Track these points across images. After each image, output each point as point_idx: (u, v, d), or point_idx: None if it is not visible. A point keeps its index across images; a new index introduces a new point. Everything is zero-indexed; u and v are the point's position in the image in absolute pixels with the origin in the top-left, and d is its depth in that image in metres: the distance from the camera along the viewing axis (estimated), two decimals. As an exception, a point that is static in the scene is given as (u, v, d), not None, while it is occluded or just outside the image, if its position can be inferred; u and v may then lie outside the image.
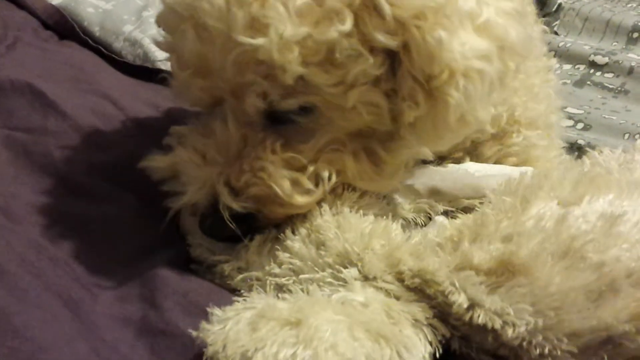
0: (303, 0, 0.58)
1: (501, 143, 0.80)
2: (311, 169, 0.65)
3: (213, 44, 0.61)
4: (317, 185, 0.65)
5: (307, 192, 0.65)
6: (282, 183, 0.64)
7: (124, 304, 0.64)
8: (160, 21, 0.70)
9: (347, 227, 0.63)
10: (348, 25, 0.59)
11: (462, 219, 0.62)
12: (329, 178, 0.65)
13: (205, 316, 0.56)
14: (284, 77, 0.60)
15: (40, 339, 0.56)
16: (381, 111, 0.65)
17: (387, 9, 0.59)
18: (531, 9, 0.73)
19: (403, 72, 0.62)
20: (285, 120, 0.65)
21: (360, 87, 0.63)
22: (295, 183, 0.65)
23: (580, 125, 1.04)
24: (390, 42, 0.60)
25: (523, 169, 0.73)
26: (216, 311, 0.55)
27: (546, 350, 0.54)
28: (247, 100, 0.63)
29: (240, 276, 0.65)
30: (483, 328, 0.55)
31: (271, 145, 0.65)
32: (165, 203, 0.70)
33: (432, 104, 0.62)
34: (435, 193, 0.71)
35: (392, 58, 0.62)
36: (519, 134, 0.79)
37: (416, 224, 0.70)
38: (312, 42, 0.59)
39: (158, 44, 0.70)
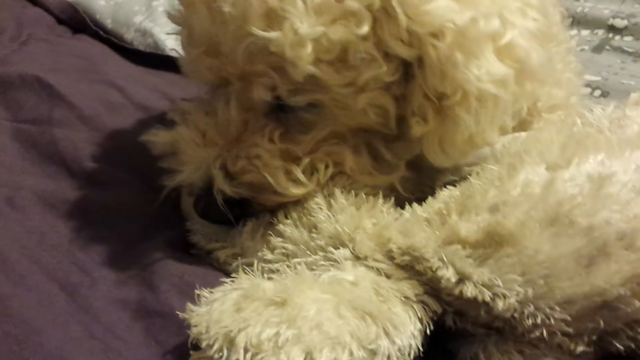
0: None
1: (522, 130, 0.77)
2: (306, 160, 0.64)
3: (225, 27, 0.60)
4: (312, 175, 0.64)
5: (301, 183, 0.64)
6: (275, 173, 0.64)
7: (122, 287, 0.64)
8: None
9: (338, 208, 0.62)
10: (365, 28, 0.57)
11: (450, 191, 0.60)
12: (325, 170, 0.64)
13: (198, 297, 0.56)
14: (294, 73, 0.59)
15: (34, 322, 0.57)
16: (388, 115, 0.64)
17: (403, 20, 0.57)
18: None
19: (415, 87, 0.60)
20: (288, 110, 0.64)
21: (371, 92, 0.61)
22: (289, 174, 0.64)
23: (597, 93, 1.00)
24: (405, 52, 0.59)
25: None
26: (204, 293, 0.55)
27: (539, 320, 0.52)
28: (254, 90, 0.62)
29: (236, 263, 0.65)
30: (474, 301, 0.54)
31: (270, 133, 0.64)
32: (162, 180, 0.70)
33: (441, 122, 0.60)
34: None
35: (406, 66, 0.61)
36: (539, 119, 0.76)
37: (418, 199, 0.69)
38: (326, 40, 0.57)
39: (170, 16, 0.69)
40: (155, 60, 1.12)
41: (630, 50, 1.08)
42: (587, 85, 1.01)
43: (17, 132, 0.86)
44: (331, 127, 0.64)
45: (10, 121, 0.89)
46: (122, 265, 0.67)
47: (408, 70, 0.61)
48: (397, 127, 0.65)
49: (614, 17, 1.14)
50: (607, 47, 1.10)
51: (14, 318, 0.57)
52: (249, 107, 0.65)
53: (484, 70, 0.58)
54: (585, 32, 1.15)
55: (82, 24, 1.22)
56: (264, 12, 0.57)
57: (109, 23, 1.22)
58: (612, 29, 1.13)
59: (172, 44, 1.15)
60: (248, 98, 0.64)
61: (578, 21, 1.16)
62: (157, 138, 0.71)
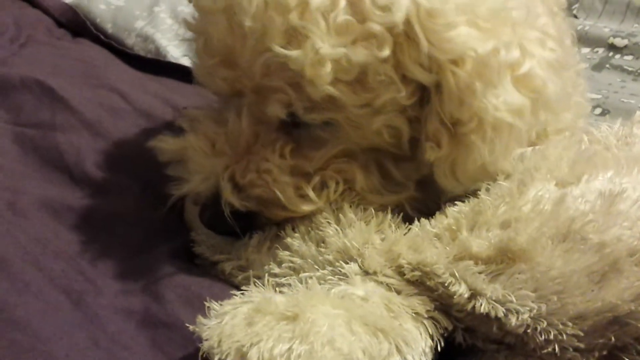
0: (344, 16, 0.56)
1: None
2: (317, 178, 0.64)
3: (244, 40, 0.59)
4: (321, 190, 0.64)
5: (311, 200, 0.64)
6: (285, 189, 0.63)
7: (127, 296, 0.64)
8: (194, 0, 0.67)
9: (346, 222, 0.62)
10: (386, 52, 0.57)
11: (459, 207, 0.60)
12: (336, 187, 0.64)
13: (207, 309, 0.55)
14: (312, 92, 0.59)
15: (40, 330, 0.57)
16: (402, 136, 0.64)
17: (424, 46, 0.57)
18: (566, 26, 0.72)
19: (431, 111, 0.60)
20: (301, 126, 0.64)
21: (387, 114, 0.61)
22: (298, 190, 0.64)
23: (598, 111, 1.01)
24: (424, 77, 0.59)
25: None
26: (214, 305, 0.54)
27: (551, 336, 0.52)
28: (269, 106, 0.62)
29: (242, 275, 0.65)
30: (486, 317, 0.54)
31: (281, 148, 0.64)
32: (168, 188, 0.69)
33: (455, 148, 0.61)
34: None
35: (423, 90, 0.61)
36: (546, 141, 0.76)
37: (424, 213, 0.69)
38: (346, 61, 0.57)
39: (187, 24, 0.68)
40: (157, 66, 1.11)
41: (630, 69, 1.09)
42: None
43: (17, 135, 0.85)
44: (343, 145, 0.64)
45: (10, 124, 0.87)
46: (126, 274, 0.67)
47: (424, 95, 0.61)
48: (409, 149, 0.65)
49: (614, 36, 1.16)
50: (607, 65, 1.12)
51: (20, 326, 0.56)
52: (260, 120, 0.64)
53: (502, 100, 0.58)
54: (585, 50, 1.16)
55: (81, 27, 1.21)
56: (285, 29, 0.57)
57: (109, 27, 1.21)
58: (613, 47, 1.15)
59: (174, 52, 1.14)
60: (261, 111, 0.63)
61: (578, 39, 1.17)
62: (165, 144, 0.71)
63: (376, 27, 0.57)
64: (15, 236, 0.67)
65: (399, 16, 0.56)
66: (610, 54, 1.14)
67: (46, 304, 0.60)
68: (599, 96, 1.04)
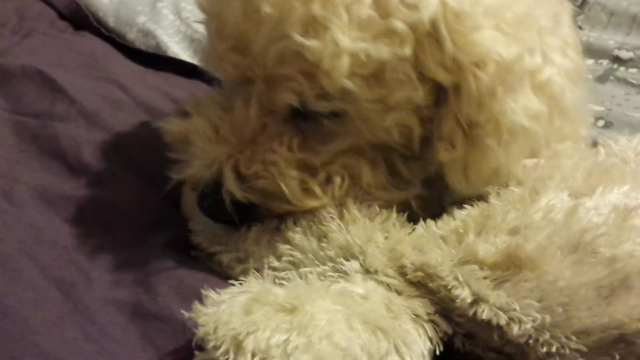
0: (367, 12, 0.56)
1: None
2: (323, 173, 0.63)
3: (259, 27, 0.58)
4: (327, 186, 0.63)
5: (315, 196, 0.62)
6: (291, 183, 0.62)
7: (119, 288, 0.62)
8: None
9: (350, 219, 0.61)
10: (407, 50, 0.57)
11: (468, 210, 0.59)
12: (341, 183, 0.63)
13: (201, 301, 0.54)
14: (327, 84, 0.58)
15: (30, 320, 0.55)
16: (412, 135, 0.63)
17: (449, 47, 0.57)
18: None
19: (447, 112, 0.60)
20: (310, 118, 0.63)
21: (400, 112, 0.61)
22: (304, 185, 0.63)
23: (601, 123, 1.00)
24: (444, 77, 0.58)
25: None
26: (211, 294, 0.53)
27: (554, 349, 0.51)
28: (280, 94, 0.61)
29: (240, 267, 0.63)
30: (488, 324, 0.52)
31: (288, 141, 0.63)
32: (168, 172, 0.67)
33: (469, 150, 0.60)
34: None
35: (439, 91, 0.60)
36: (548, 148, 0.77)
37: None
38: (365, 56, 0.57)
39: (200, 5, 0.66)
40: (158, 61, 1.10)
41: (634, 82, 1.08)
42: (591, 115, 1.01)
43: (16, 124, 0.84)
44: (351, 140, 0.63)
45: (9, 112, 0.86)
46: (119, 265, 0.66)
47: (440, 95, 0.60)
48: (419, 149, 0.64)
49: (619, 49, 1.15)
50: (612, 77, 1.11)
51: (11, 316, 0.55)
52: (269, 110, 0.63)
53: (520, 104, 0.58)
54: (589, 62, 1.15)
55: (84, 21, 1.19)
56: (305, 19, 0.55)
57: (111, 21, 1.20)
58: (617, 59, 1.14)
59: (175, 48, 1.13)
60: (269, 101, 0.62)
61: (583, 50, 1.17)
62: (171, 126, 0.69)
63: (399, 25, 0.56)
64: (9, 224, 0.66)
65: (426, 15, 0.56)
66: (615, 66, 1.13)
67: (37, 293, 0.58)
68: (602, 108, 1.02)
